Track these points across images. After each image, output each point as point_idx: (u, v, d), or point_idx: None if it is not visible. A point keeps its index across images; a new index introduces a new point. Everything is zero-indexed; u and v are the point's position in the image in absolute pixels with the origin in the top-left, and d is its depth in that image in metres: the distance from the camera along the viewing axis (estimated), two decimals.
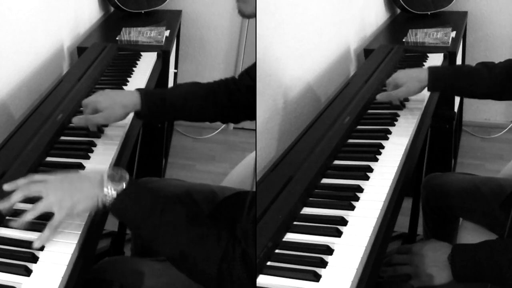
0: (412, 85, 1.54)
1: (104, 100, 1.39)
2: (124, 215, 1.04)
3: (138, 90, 1.42)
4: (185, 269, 1.03)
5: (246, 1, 1.16)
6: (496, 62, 1.58)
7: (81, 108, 1.47)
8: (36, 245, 1.02)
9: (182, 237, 1.00)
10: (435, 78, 1.52)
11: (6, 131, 1.51)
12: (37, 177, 1.09)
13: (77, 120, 1.40)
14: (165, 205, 1.03)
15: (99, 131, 1.45)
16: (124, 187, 1.02)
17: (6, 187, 1.08)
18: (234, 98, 1.46)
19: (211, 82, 1.50)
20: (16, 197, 1.05)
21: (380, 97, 1.61)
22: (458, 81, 1.53)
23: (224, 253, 0.98)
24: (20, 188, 1.06)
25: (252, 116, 1.50)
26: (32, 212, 1.03)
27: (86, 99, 1.43)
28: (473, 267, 1.12)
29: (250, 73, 1.48)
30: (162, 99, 1.42)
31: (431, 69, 1.55)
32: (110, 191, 1.01)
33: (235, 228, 1.01)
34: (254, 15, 1.18)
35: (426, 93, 1.64)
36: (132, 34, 2.28)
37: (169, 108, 1.42)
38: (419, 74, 1.55)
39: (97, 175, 1.03)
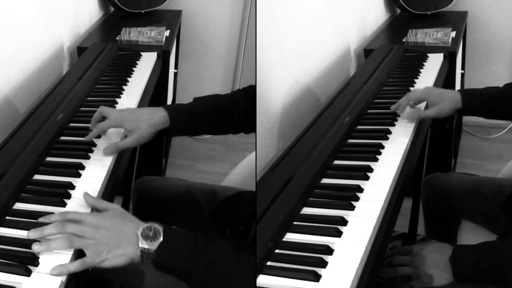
0: (446, 106, 1.49)
1: (130, 120, 1.34)
2: (171, 267, 1.01)
3: (164, 107, 1.37)
4: None
5: None
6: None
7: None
8: (39, 249, 1.00)
9: (237, 268, 1.00)
10: (469, 101, 1.49)
11: (6, 131, 1.51)
12: (72, 215, 1.05)
13: (108, 151, 1.34)
14: (207, 240, 1.01)
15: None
16: (161, 241, 0.99)
17: (42, 219, 1.06)
18: (255, 107, 1.43)
19: (233, 93, 1.47)
20: (49, 231, 1.01)
21: (408, 116, 1.54)
22: (490, 104, 1.50)
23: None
24: (55, 223, 1.03)
25: None
26: (66, 242, 1.00)
27: (107, 110, 1.39)
28: (474, 268, 1.12)
29: None
30: (190, 114, 1.38)
31: (464, 92, 1.51)
32: (147, 250, 0.99)
33: (237, 227, 1.01)
34: None
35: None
36: (132, 34, 2.28)
37: (197, 123, 1.39)
38: (453, 96, 1.50)
39: (133, 231, 1.01)
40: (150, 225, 1.01)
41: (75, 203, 1.17)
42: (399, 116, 1.57)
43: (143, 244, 0.99)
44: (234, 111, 1.42)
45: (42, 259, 1.00)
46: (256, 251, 1.01)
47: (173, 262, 1.00)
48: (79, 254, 1.04)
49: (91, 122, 1.42)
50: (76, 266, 0.98)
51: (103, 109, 1.40)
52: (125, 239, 1.00)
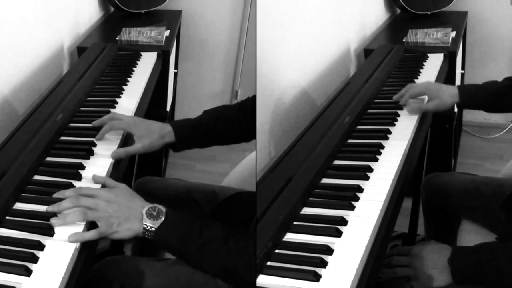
0: (446, 99, 1.54)
1: (142, 127, 1.40)
2: (164, 246, 1.09)
3: (170, 123, 1.43)
4: (231, 283, 1.09)
5: None
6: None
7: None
8: (56, 223, 1.07)
9: (223, 251, 1.05)
10: (467, 95, 1.54)
11: (7, 130, 1.51)
12: (85, 190, 1.14)
13: (117, 155, 1.36)
14: (202, 225, 1.08)
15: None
16: (162, 221, 1.07)
17: (56, 195, 1.13)
18: None
19: (239, 103, 1.50)
20: (66, 205, 1.10)
21: (412, 111, 1.57)
22: (489, 97, 1.55)
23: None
24: (71, 198, 1.11)
25: None
26: (81, 215, 1.08)
27: (118, 114, 1.44)
28: (473, 269, 1.12)
29: None
30: (194, 128, 1.43)
31: (461, 87, 1.57)
32: (149, 227, 1.06)
33: (237, 227, 1.02)
34: None
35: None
36: (132, 34, 2.28)
37: (202, 136, 1.45)
38: (451, 90, 1.56)
39: (139, 209, 1.08)
40: (154, 206, 1.09)
41: None
42: (399, 116, 1.58)
43: (147, 222, 1.07)
44: (240, 121, 1.46)
45: (42, 258, 1.01)
46: (256, 251, 1.01)
47: (169, 241, 1.08)
48: (82, 246, 1.05)
49: (96, 121, 1.44)
50: (92, 234, 1.06)
51: (115, 114, 1.46)
52: (133, 215, 1.08)
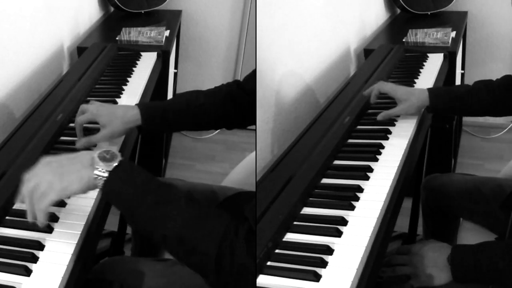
0: (413, 104, 1.51)
1: (105, 114, 1.37)
2: (116, 197, 0.97)
3: (138, 105, 1.40)
4: (183, 254, 0.96)
5: None
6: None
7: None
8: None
9: (180, 217, 0.94)
10: (436, 99, 1.51)
11: (6, 131, 1.51)
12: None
13: (80, 145, 1.36)
14: (160, 186, 0.98)
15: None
16: (116, 165, 0.97)
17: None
18: (238, 102, 1.43)
19: (213, 88, 1.47)
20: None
21: (381, 118, 1.55)
22: (458, 101, 1.51)
23: (226, 230, 0.91)
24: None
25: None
26: (19, 197, 1.00)
27: (85, 105, 1.40)
28: (473, 268, 1.12)
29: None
30: (163, 112, 1.39)
31: (431, 90, 1.53)
32: (101, 172, 0.96)
33: (237, 219, 0.98)
34: None
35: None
36: (132, 34, 2.28)
37: (170, 120, 1.40)
38: (420, 94, 1.52)
39: (87, 156, 0.99)
40: (108, 149, 0.99)
41: (75, 203, 1.17)
42: (399, 116, 1.57)
43: (99, 165, 0.96)
44: (211, 106, 1.42)
45: (42, 258, 1.01)
46: (256, 251, 1.01)
47: (118, 198, 0.97)
48: (82, 247, 1.05)
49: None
50: (39, 215, 0.97)
51: (82, 107, 1.40)
52: (79, 163, 0.98)
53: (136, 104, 1.41)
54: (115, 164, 0.97)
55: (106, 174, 0.96)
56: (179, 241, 0.94)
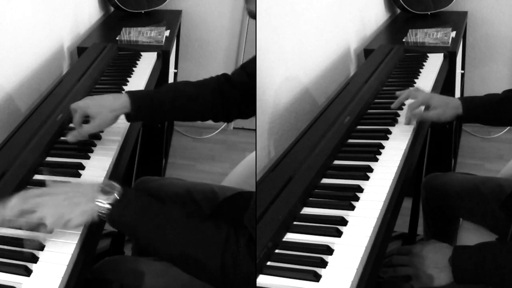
0: (448, 111, 1.51)
1: (94, 105, 1.36)
2: (120, 223, 1.03)
3: (127, 92, 1.39)
4: (190, 271, 1.03)
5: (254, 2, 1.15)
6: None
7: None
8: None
9: (180, 237, 1.00)
10: (470, 107, 1.51)
11: (7, 131, 1.51)
12: (32, 191, 1.05)
13: (72, 137, 1.37)
14: (160, 208, 1.03)
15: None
16: (117, 197, 1.02)
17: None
18: (226, 95, 1.44)
19: (202, 80, 1.47)
20: (8, 213, 1.02)
21: (413, 116, 1.54)
22: (491, 110, 1.52)
23: (226, 242, 0.96)
24: (18, 200, 1.03)
25: (245, 114, 1.48)
26: (25, 226, 1.03)
27: (74, 104, 1.40)
28: (474, 269, 1.12)
29: (246, 69, 1.46)
30: (151, 100, 1.39)
31: (464, 99, 1.54)
32: (103, 204, 1.01)
33: (236, 227, 1.00)
34: None
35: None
36: (132, 34, 2.28)
37: (158, 109, 1.40)
38: (454, 102, 1.52)
39: (90, 190, 1.03)
40: (108, 182, 1.04)
41: None
42: (399, 116, 1.57)
43: (99, 198, 1.01)
44: (199, 98, 1.42)
45: (42, 258, 1.01)
46: (256, 251, 1.01)
47: (121, 223, 1.03)
48: (82, 247, 1.05)
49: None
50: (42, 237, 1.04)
51: (71, 106, 1.40)
52: (84, 197, 1.03)
53: (125, 92, 1.41)
54: (115, 196, 1.02)
55: (107, 206, 1.01)
56: (183, 261, 1.01)
